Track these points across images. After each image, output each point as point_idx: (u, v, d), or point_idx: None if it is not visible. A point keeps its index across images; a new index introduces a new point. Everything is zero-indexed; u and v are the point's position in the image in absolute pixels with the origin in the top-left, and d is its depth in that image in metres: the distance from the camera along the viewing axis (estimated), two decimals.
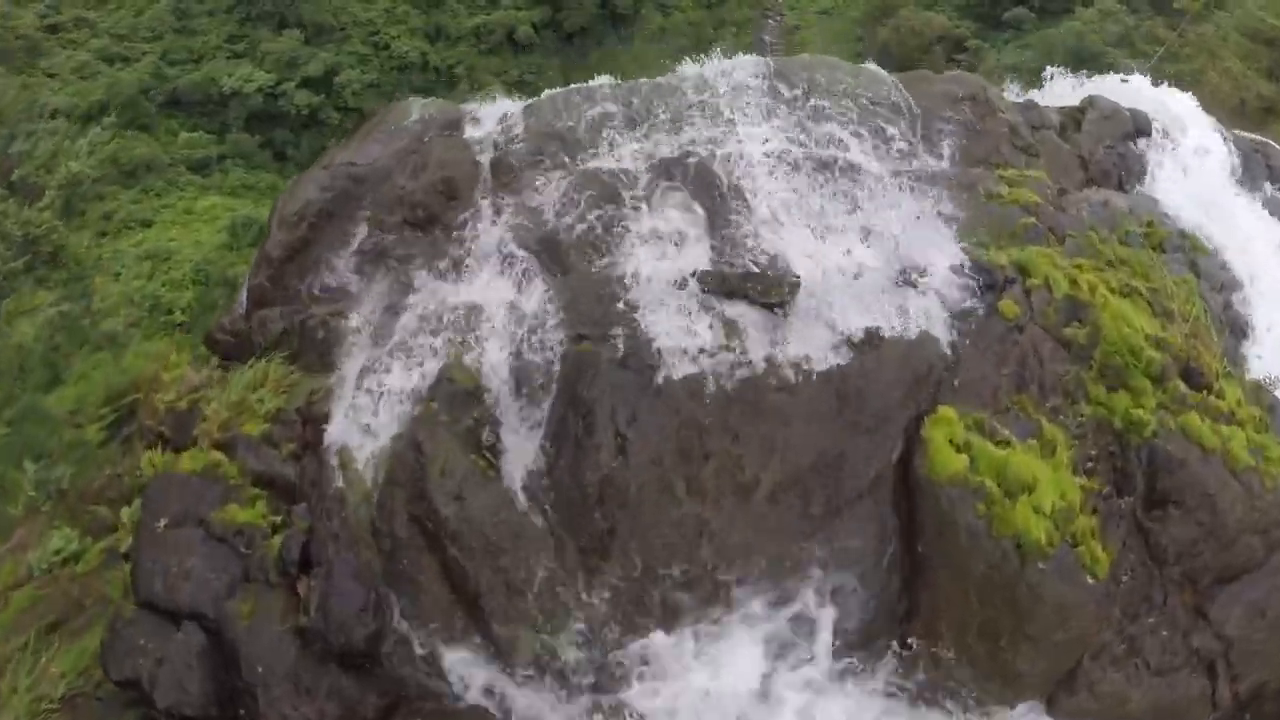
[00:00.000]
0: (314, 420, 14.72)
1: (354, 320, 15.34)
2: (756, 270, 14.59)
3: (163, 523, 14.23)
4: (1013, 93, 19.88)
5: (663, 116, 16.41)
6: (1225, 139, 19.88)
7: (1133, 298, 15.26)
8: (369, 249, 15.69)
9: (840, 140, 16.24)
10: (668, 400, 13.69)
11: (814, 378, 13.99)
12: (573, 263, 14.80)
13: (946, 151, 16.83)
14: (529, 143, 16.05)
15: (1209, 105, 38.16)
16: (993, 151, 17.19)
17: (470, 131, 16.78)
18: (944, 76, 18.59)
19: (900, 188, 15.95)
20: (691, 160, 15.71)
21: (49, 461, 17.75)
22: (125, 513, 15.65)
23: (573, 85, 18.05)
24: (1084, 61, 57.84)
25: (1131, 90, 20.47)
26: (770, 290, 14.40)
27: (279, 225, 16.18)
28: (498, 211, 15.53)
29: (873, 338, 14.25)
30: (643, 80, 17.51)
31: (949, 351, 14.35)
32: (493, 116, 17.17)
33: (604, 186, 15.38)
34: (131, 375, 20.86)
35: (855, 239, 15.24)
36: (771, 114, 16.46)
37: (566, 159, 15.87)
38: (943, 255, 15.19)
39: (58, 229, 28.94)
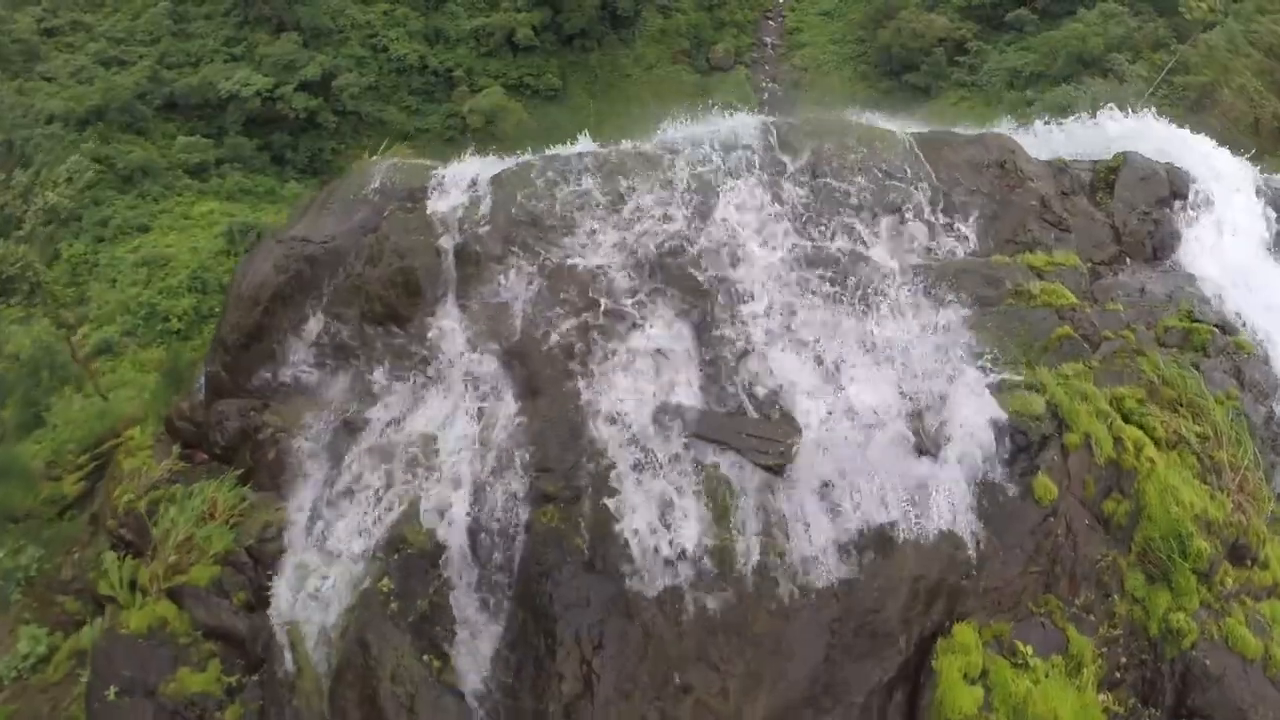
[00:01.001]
0: (264, 561, 13.62)
1: (306, 443, 14.01)
2: (751, 414, 12.68)
3: (112, 690, 13.25)
4: (1035, 134, 18.32)
5: (648, 200, 14.52)
6: (1260, 191, 18.16)
7: (1180, 450, 13.63)
8: (326, 343, 14.55)
9: (851, 228, 14.51)
10: (641, 623, 11.84)
11: (814, 596, 12.00)
12: (543, 383, 13.21)
13: (971, 229, 15.13)
14: (497, 227, 14.41)
15: (1222, 123, 37.24)
16: (1020, 228, 15.54)
17: (434, 204, 15.03)
18: (970, 139, 16.57)
19: (918, 290, 14.16)
20: (679, 261, 13.93)
21: (18, 541, 17.20)
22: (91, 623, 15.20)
23: (548, 151, 15.98)
24: (1086, 65, 57.28)
25: (1158, 134, 18.74)
26: (767, 448, 12.44)
27: (234, 304, 15.17)
28: (462, 310, 14.07)
29: (885, 540, 12.19)
30: (626, 147, 15.49)
31: (972, 553, 12.38)
32: (460, 183, 15.34)
33: (580, 290, 13.71)
34: (111, 420, 20.35)
35: (867, 368, 13.36)
36: (774, 196, 14.63)
37: (539, 249, 14.14)
38: (968, 396, 13.05)
39: (33, 265, 28.19)
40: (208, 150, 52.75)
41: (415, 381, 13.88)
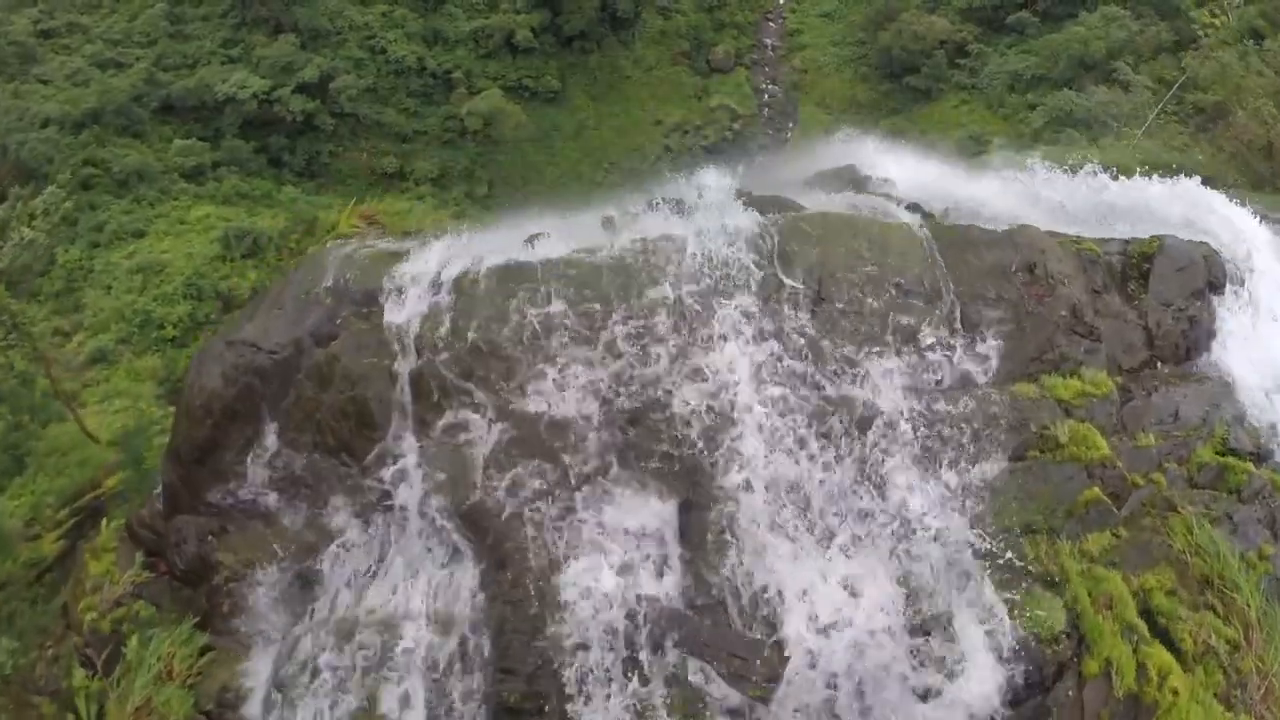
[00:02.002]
0: None
1: (263, 592, 13.14)
2: (734, 618, 11.30)
3: None
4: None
5: (622, 330, 12.77)
6: None
7: (1206, 664, 12.55)
8: (280, 468, 13.56)
9: (858, 368, 12.84)
10: None
11: None
12: (506, 555, 11.97)
13: (993, 348, 13.71)
14: (456, 356, 12.95)
15: (1234, 145, 36.18)
16: (1047, 345, 14.20)
17: (390, 313, 13.54)
18: (996, 238, 14.85)
19: (931, 449, 12.63)
20: (660, 418, 12.33)
21: None
22: None
23: (516, 260, 14.02)
24: (1088, 68, 56.36)
25: (1187, 198, 17.43)
26: (750, 672, 11.03)
27: (186, 413, 14.27)
28: (420, 450, 12.82)
29: None
30: (603, 255, 13.66)
31: None
32: (420, 282, 13.76)
33: (546, 447, 12.28)
34: (91, 468, 19.81)
35: (866, 557, 11.88)
36: (772, 329, 12.82)
37: (500, 386, 12.66)
38: (977, 615, 11.56)
39: (8, 306, 27.35)
40: (204, 153, 51.87)
41: (374, 527, 12.82)
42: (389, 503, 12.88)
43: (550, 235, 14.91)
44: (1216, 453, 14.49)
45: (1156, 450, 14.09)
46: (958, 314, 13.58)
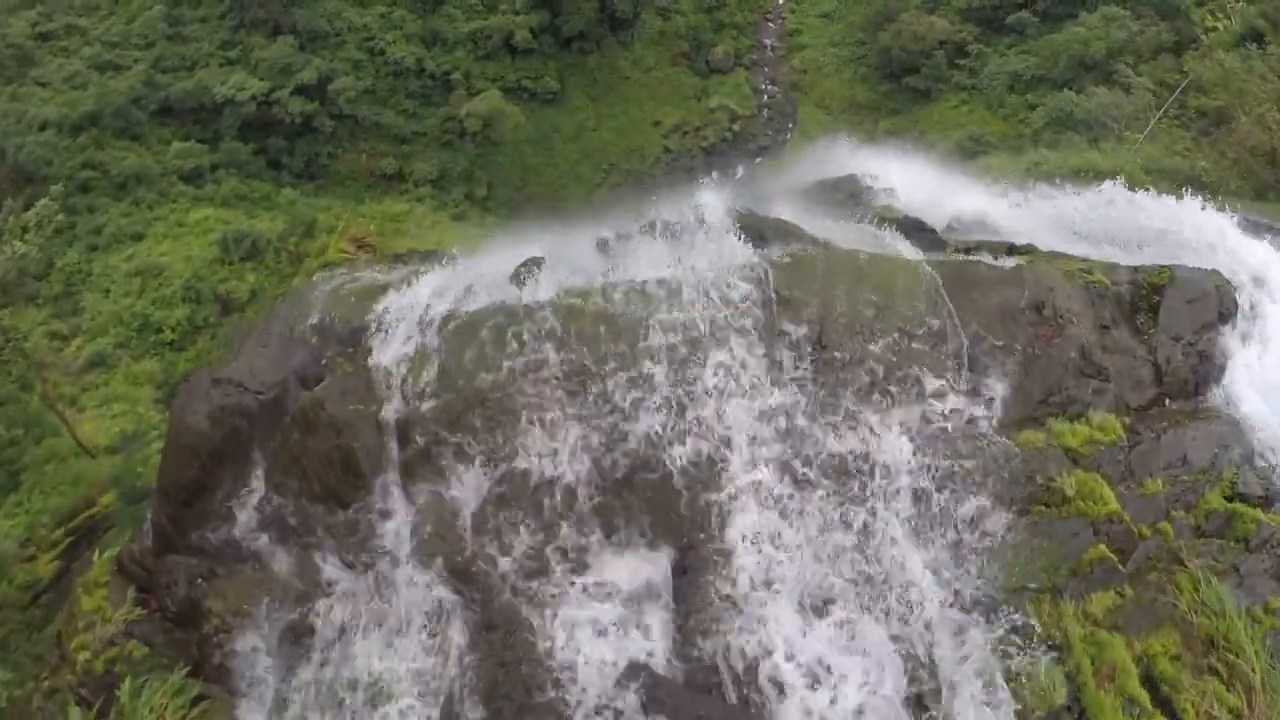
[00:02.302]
0: None
1: (252, 642, 12.82)
2: (729, 690, 10.84)
3: None
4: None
5: (614, 382, 12.32)
6: None
7: None
8: (269, 513, 13.33)
9: (854, 418, 12.42)
10: None
11: None
12: (495, 614, 11.64)
13: (999, 391, 13.36)
14: (444, 406, 12.51)
15: (1237, 152, 35.74)
16: (1054, 388, 13.91)
17: (376, 354, 13.26)
18: (1004, 275, 14.47)
19: (934, 505, 12.19)
20: (654, 478, 11.86)
21: None
22: None
23: (504, 303, 13.57)
24: (1088, 68, 56.03)
25: (1193, 222, 17.00)
26: None
27: (174, 452, 14.10)
28: (408, 500, 12.52)
29: None
30: (594, 301, 13.02)
31: None
32: (408, 320, 13.46)
33: (535, 505, 11.87)
34: (85, 485, 19.68)
35: (861, 624, 11.41)
36: (770, 380, 12.25)
37: (488, 438, 12.22)
38: (977, 691, 11.16)
39: (1, 321, 27.14)
40: (203, 156, 51.69)
41: (363, 580, 12.56)
42: (377, 555, 12.63)
43: (544, 260, 14.57)
44: (1225, 497, 14.17)
45: (1164, 497, 13.81)
46: (964, 357, 13.26)
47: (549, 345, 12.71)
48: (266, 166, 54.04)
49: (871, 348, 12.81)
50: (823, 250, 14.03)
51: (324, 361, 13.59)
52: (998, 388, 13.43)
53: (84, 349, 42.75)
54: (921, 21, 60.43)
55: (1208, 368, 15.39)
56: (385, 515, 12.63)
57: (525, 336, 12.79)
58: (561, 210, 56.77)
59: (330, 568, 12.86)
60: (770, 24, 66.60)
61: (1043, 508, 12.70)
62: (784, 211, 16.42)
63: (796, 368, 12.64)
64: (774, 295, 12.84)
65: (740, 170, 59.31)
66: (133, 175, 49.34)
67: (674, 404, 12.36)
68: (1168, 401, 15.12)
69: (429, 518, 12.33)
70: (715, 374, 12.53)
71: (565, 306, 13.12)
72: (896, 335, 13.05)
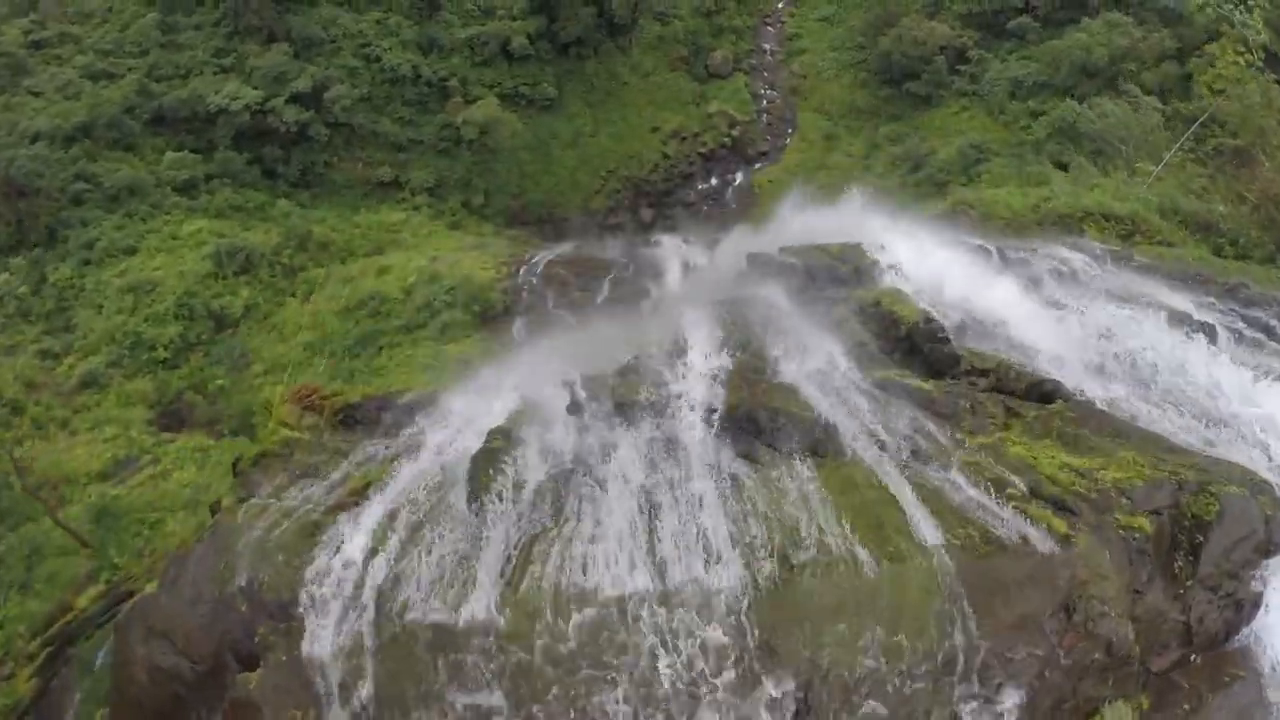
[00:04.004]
0: None
1: None
2: None
3: None
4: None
5: None
6: None
7: None
8: None
9: None
10: None
11: None
12: None
13: (1010, 708, 11.99)
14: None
15: (1259, 198, 34.06)
16: (1070, 694, 12.67)
17: (308, 640, 11.66)
18: (1031, 571, 12.73)
19: None
20: None
21: None
22: None
23: (447, 622, 11.93)
24: (1091, 75, 54.76)
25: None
26: None
27: (123, 703, 12.91)
28: None
29: None
30: (543, 643, 11.37)
31: None
32: (338, 600, 11.95)
33: None
34: (61, 584, 18.55)
35: None
36: None
37: None
38: None
39: None
40: (197, 166, 50.48)
41: None
42: None
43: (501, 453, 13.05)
44: None
45: None
46: (975, 678, 11.81)
47: (496, 686, 11.03)
48: (261, 176, 52.82)
49: (866, 706, 11.08)
50: (818, 582, 11.93)
51: (256, 639, 12.27)
52: (1010, 702, 12.16)
53: (76, 368, 41.74)
54: (922, 26, 59.16)
55: (1240, 616, 14.14)
56: None
57: (468, 672, 11.17)
58: (558, 220, 55.75)
59: None
60: (769, 28, 65.28)
61: None
62: (775, 292, 15.21)
63: None
64: (755, 644, 10.95)
65: (739, 176, 58.15)
66: (126, 187, 48.13)
67: None
68: (1193, 658, 13.89)
69: None
70: None
71: (514, 647, 11.16)
72: (896, 683, 11.31)
